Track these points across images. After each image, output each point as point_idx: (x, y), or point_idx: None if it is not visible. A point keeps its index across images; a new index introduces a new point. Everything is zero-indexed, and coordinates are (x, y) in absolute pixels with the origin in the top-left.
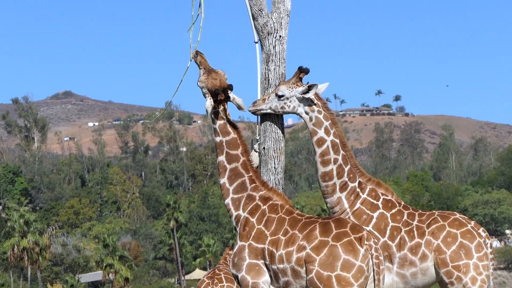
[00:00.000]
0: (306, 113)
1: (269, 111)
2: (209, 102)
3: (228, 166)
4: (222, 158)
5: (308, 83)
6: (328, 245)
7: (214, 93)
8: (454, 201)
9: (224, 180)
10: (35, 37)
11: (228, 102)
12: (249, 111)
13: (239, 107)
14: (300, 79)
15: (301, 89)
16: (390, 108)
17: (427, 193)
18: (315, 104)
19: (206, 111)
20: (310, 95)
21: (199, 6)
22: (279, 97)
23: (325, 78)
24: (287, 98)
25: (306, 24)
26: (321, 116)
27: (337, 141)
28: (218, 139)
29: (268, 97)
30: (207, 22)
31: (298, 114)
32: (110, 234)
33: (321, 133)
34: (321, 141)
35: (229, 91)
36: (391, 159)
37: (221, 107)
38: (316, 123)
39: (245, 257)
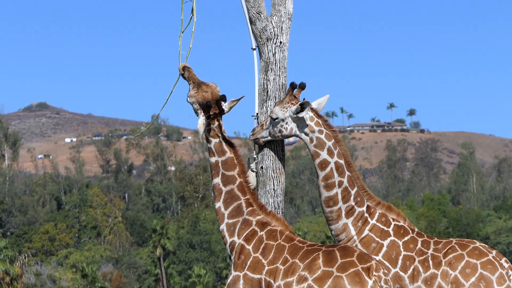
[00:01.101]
0: (306, 134)
1: (270, 138)
2: (201, 121)
3: (224, 189)
4: (217, 180)
5: (304, 99)
6: (332, 276)
7: (206, 106)
8: (474, 228)
9: (219, 204)
10: (5, 42)
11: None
12: (251, 140)
13: (237, 101)
14: (295, 97)
15: (294, 108)
16: (403, 124)
17: (444, 219)
18: (314, 123)
19: (198, 131)
20: (304, 113)
21: (192, 9)
22: (274, 120)
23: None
24: (283, 120)
25: (309, 29)
26: (322, 136)
27: (342, 162)
28: (213, 159)
29: (266, 122)
30: (199, 26)
31: (297, 136)
32: (90, 262)
33: (323, 154)
34: (324, 164)
35: (222, 103)
36: (404, 180)
37: (216, 123)
38: (318, 144)
39: None
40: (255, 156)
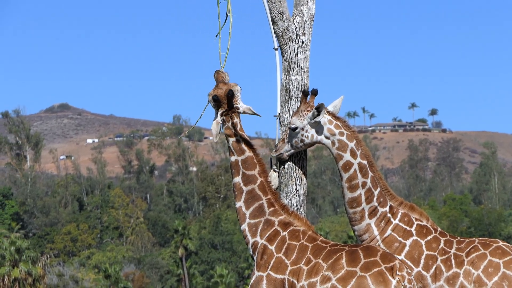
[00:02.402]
0: (327, 138)
1: (292, 150)
2: (215, 120)
3: (245, 188)
4: (238, 179)
5: (319, 103)
6: (356, 276)
7: (213, 100)
8: (496, 228)
9: (240, 203)
10: (28, 44)
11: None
12: (274, 158)
13: (253, 113)
14: (309, 104)
15: (310, 114)
16: (425, 123)
17: (466, 218)
18: (334, 126)
19: (211, 130)
20: (321, 117)
21: (227, 10)
22: (294, 130)
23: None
24: (302, 129)
25: (331, 30)
26: (344, 138)
27: (365, 162)
28: (233, 158)
29: (286, 136)
30: (217, 28)
31: (319, 142)
32: (112, 263)
33: (347, 156)
34: (348, 165)
35: (237, 101)
36: (426, 180)
37: (230, 121)
38: (340, 147)
39: None
40: (276, 169)
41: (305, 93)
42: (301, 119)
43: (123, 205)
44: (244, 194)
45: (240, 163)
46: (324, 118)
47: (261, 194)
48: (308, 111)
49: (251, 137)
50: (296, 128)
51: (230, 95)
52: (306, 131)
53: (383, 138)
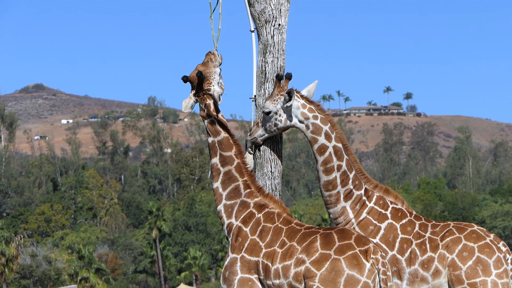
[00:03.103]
0: (301, 122)
1: (267, 134)
2: (187, 98)
3: (222, 169)
4: (215, 160)
5: (292, 88)
6: (330, 259)
7: (183, 81)
8: (470, 212)
9: (217, 184)
10: (2, 24)
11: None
12: (249, 141)
13: (217, 100)
14: (283, 88)
15: (283, 98)
16: (400, 107)
17: (440, 202)
18: (307, 110)
19: (182, 105)
20: (292, 101)
21: None
22: (267, 114)
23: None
24: (276, 113)
25: (307, 12)
26: (318, 122)
27: (340, 146)
28: (210, 139)
29: (260, 120)
30: (193, 8)
31: (293, 126)
32: (86, 244)
33: (321, 140)
34: (322, 149)
35: (208, 82)
36: (400, 164)
37: (203, 103)
38: (315, 130)
39: (237, 271)
40: (252, 152)
41: (279, 77)
42: (274, 103)
43: (97, 186)
44: (221, 175)
45: (216, 144)
46: (297, 102)
47: (237, 176)
48: (281, 95)
49: (226, 119)
50: (269, 112)
51: (199, 76)
52: (280, 115)
53: (358, 121)
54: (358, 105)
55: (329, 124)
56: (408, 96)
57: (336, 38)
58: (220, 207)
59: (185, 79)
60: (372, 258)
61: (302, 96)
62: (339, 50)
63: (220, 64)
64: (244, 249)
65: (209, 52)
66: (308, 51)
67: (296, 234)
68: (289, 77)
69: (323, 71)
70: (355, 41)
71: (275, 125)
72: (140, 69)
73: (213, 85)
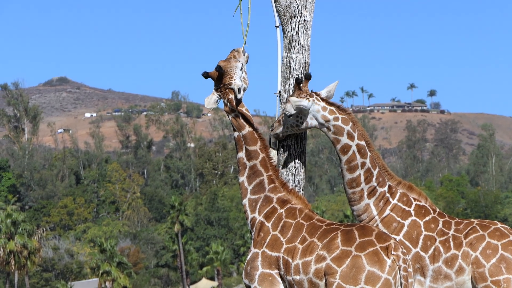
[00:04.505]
0: (321, 124)
1: (288, 132)
2: (211, 94)
3: (248, 164)
4: (241, 154)
5: (312, 90)
6: (351, 256)
7: (203, 77)
8: (493, 210)
9: (243, 178)
10: (27, 16)
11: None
12: (272, 136)
13: (236, 94)
14: (302, 91)
15: (304, 103)
16: (423, 104)
17: (462, 200)
18: (328, 112)
19: (205, 101)
20: (306, 103)
21: None
22: (288, 117)
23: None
24: (297, 116)
25: (332, 8)
26: (339, 123)
27: (363, 143)
28: (236, 134)
29: (281, 118)
30: (220, 2)
31: (314, 128)
32: (108, 237)
33: (344, 140)
34: (346, 148)
35: (229, 76)
36: (423, 161)
37: (225, 98)
38: (337, 131)
39: (258, 266)
40: (275, 147)
41: (298, 81)
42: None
43: (120, 180)
44: (247, 169)
45: (242, 138)
46: (317, 106)
47: (262, 170)
48: (302, 97)
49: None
50: (291, 115)
51: (218, 70)
52: (301, 118)
53: (381, 118)
54: (381, 102)
55: (350, 124)
56: (432, 93)
57: (360, 34)
58: (245, 201)
59: (206, 74)
60: (393, 254)
61: (322, 99)
62: (363, 46)
63: (246, 62)
64: (265, 244)
65: (234, 49)
66: (332, 47)
67: (317, 230)
68: (308, 77)
69: (347, 67)
70: (379, 37)
71: (297, 125)
72: (164, 63)
73: (235, 79)
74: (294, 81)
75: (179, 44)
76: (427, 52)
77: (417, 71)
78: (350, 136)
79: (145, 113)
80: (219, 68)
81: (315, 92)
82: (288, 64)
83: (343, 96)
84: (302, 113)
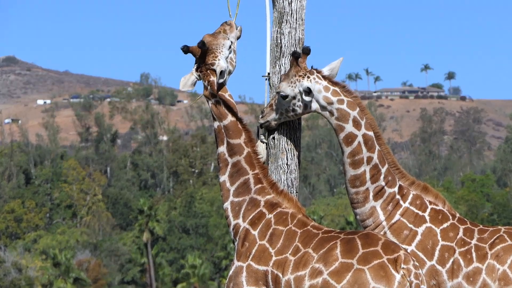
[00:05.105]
0: (323, 107)
1: (282, 119)
2: (189, 73)
3: (230, 160)
4: (222, 149)
5: (312, 67)
6: (352, 269)
7: (183, 51)
8: None
9: (224, 177)
10: None
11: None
12: (261, 124)
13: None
14: (301, 67)
15: (305, 83)
16: (440, 89)
17: (488, 203)
18: (331, 93)
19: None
20: (312, 83)
21: None
22: (284, 98)
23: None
24: (294, 98)
25: None
26: (344, 107)
27: (371, 134)
28: (216, 124)
29: (274, 101)
30: None
31: (314, 112)
32: (63, 248)
33: (349, 127)
34: (350, 138)
35: (212, 55)
36: (441, 157)
37: (206, 80)
38: (341, 117)
39: (242, 283)
40: (264, 140)
41: (295, 55)
42: (292, 86)
43: (78, 180)
44: (229, 166)
45: (223, 130)
46: (319, 85)
47: (247, 168)
48: (300, 76)
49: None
50: (286, 96)
51: (201, 47)
52: (298, 100)
53: (391, 106)
54: (390, 86)
55: (357, 109)
56: (451, 76)
57: (364, 6)
58: (227, 205)
59: (186, 48)
60: (403, 268)
61: (324, 77)
62: (368, 20)
63: (238, 38)
64: (251, 256)
65: (225, 22)
66: (331, 22)
67: (312, 239)
68: (306, 51)
69: (349, 45)
70: (387, 9)
71: (293, 110)
72: (131, 40)
73: (219, 59)
74: (287, 59)
75: (149, 18)
76: (444, 27)
77: (433, 50)
78: (356, 124)
79: (108, 99)
80: (202, 44)
81: (315, 69)
82: (279, 41)
83: (345, 80)
84: (302, 94)
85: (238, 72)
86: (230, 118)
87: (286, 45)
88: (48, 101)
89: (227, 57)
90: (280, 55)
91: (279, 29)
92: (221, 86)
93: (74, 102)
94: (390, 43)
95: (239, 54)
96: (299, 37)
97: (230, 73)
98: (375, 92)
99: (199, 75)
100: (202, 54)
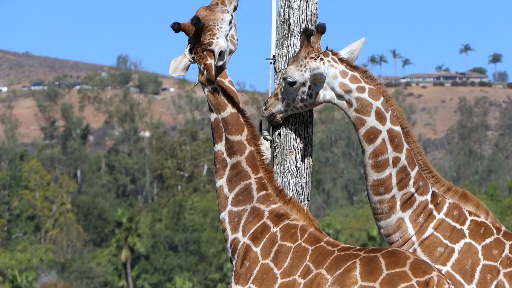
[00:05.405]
0: (340, 96)
1: (289, 111)
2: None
3: (229, 161)
4: (220, 146)
5: (327, 48)
6: None
7: (173, 29)
8: None
9: (222, 182)
10: None
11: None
12: (263, 117)
13: (216, 60)
14: (313, 48)
15: (315, 64)
16: (483, 75)
17: None
18: (349, 79)
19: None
20: (323, 68)
21: None
22: (291, 85)
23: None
24: (303, 85)
25: None
26: (365, 96)
27: (398, 129)
28: (212, 116)
29: (281, 90)
30: None
31: (329, 102)
32: (24, 269)
33: (370, 121)
34: (372, 134)
35: (210, 33)
36: (484, 157)
37: (202, 63)
38: (361, 108)
39: None
40: (269, 137)
41: (307, 32)
42: (301, 70)
43: (42, 185)
44: (227, 168)
45: (221, 123)
46: (335, 69)
47: (249, 171)
48: (312, 58)
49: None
50: (294, 83)
51: (195, 23)
52: (309, 88)
53: (422, 95)
54: (422, 71)
55: (381, 99)
56: (496, 58)
57: None
58: (224, 215)
59: (177, 26)
60: None
61: (341, 60)
62: None
63: (235, 9)
64: (252, 278)
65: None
66: None
67: (326, 258)
68: (321, 29)
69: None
70: None
71: (302, 100)
72: (106, 17)
73: (217, 37)
74: (297, 39)
75: None
76: (487, 2)
77: (474, 27)
78: (380, 117)
79: (78, 87)
80: (196, 21)
81: (330, 51)
82: (287, 17)
83: (366, 63)
84: (314, 80)
85: (237, 54)
86: (230, 109)
87: (296, 21)
88: (5, 89)
89: (227, 35)
90: (288, 33)
91: (287, 2)
92: (219, 70)
93: (36, 90)
94: (422, 20)
95: (238, 31)
96: (312, 11)
97: (231, 52)
98: (403, 78)
99: (193, 58)
100: (197, 32)
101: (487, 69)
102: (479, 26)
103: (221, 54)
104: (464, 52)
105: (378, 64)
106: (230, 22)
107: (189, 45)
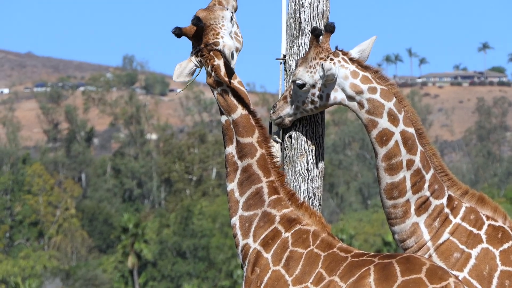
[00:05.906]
0: (351, 98)
1: (299, 114)
2: (187, 60)
3: (240, 164)
4: (231, 149)
5: (336, 48)
6: None
7: (174, 34)
8: None
9: (232, 185)
10: None
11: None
12: (272, 122)
13: (228, 59)
14: (322, 48)
15: (328, 65)
16: (502, 74)
17: None
18: (360, 79)
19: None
20: (331, 68)
21: None
22: (301, 87)
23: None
24: (313, 86)
25: None
26: (377, 96)
27: (412, 131)
28: (223, 119)
29: (290, 92)
30: None
31: (340, 104)
32: (27, 277)
33: (383, 122)
34: (385, 136)
35: (212, 32)
36: (503, 160)
37: (209, 64)
38: (372, 109)
39: None
40: (279, 139)
41: (316, 33)
42: (311, 72)
43: (46, 190)
44: (238, 172)
45: (232, 125)
46: (345, 70)
47: (260, 174)
48: (321, 58)
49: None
50: (304, 85)
51: (196, 24)
52: (319, 90)
53: (439, 95)
54: (439, 71)
55: (394, 99)
56: None
57: None
58: (235, 220)
59: (178, 31)
60: None
61: (352, 60)
62: None
63: (235, 10)
64: (263, 285)
65: None
66: None
67: (339, 264)
68: (330, 29)
69: (386, 21)
70: None
71: (312, 102)
72: (112, 17)
73: (222, 36)
74: (308, 37)
75: None
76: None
77: (493, 26)
78: (393, 118)
79: (82, 88)
80: (197, 20)
81: (341, 50)
82: (298, 15)
83: (381, 63)
84: (325, 81)
85: (247, 54)
86: (240, 111)
87: (307, 19)
88: (6, 91)
89: (231, 32)
90: (298, 32)
91: (298, 0)
92: (229, 70)
93: (39, 92)
94: (439, 17)
95: (247, 30)
96: (323, 9)
97: (237, 50)
98: (419, 77)
99: (200, 61)
100: (199, 33)
101: (506, 68)
102: (498, 24)
103: (232, 54)
104: (483, 51)
105: (394, 63)
106: (231, 19)
107: (193, 49)
